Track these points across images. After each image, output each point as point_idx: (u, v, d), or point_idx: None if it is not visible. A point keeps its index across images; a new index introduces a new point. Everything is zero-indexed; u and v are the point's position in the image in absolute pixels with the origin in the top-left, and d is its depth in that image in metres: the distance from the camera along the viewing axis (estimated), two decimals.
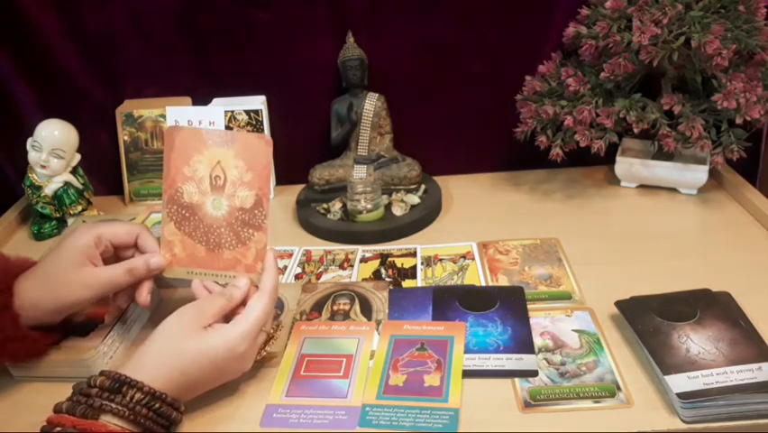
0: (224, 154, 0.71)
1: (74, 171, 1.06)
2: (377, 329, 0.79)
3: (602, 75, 0.96)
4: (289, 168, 1.16)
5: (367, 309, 0.83)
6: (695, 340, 0.69)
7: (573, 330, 0.76)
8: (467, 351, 0.74)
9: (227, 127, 1.12)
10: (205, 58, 1.11)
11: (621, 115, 0.96)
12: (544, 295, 0.84)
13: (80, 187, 1.07)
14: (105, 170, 1.17)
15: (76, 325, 0.77)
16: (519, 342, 0.75)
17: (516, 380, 0.70)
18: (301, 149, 1.15)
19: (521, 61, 1.07)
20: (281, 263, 0.95)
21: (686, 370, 0.65)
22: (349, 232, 1.00)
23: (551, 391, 0.68)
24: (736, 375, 0.64)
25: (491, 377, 0.71)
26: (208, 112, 1.12)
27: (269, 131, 1.13)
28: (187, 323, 0.66)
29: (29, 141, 1.03)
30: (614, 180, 1.10)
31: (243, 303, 0.69)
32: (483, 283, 0.87)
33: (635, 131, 0.97)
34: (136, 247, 0.75)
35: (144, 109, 1.13)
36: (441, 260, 0.93)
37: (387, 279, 0.90)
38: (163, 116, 1.13)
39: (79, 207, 1.07)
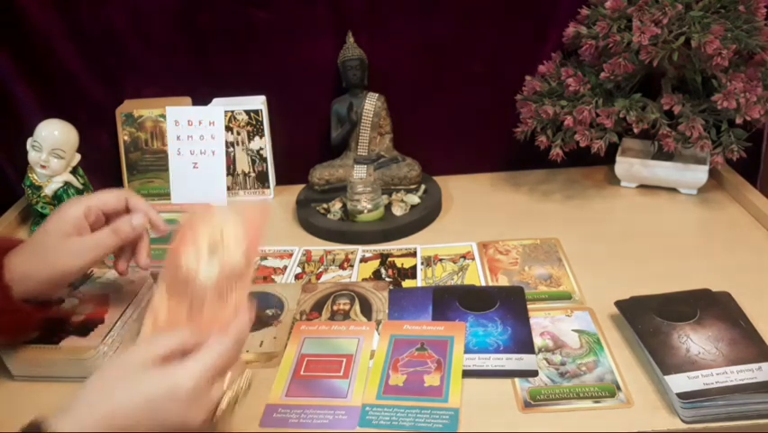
0: (227, 222, 0.72)
1: (74, 171, 1.06)
2: (377, 329, 0.79)
3: (602, 75, 0.96)
4: (289, 168, 1.16)
5: (367, 309, 0.83)
6: (695, 340, 0.69)
7: (573, 330, 0.76)
8: (467, 351, 0.74)
9: (227, 127, 1.12)
10: (205, 58, 1.11)
11: (621, 115, 0.96)
12: (544, 295, 0.84)
13: (80, 187, 1.07)
14: (105, 170, 1.17)
15: (76, 325, 0.77)
16: (519, 342, 0.75)
17: (516, 380, 0.70)
18: (301, 149, 1.15)
19: (521, 61, 1.07)
20: (281, 263, 0.95)
21: (686, 370, 0.65)
22: (349, 232, 0.99)
23: (551, 391, 0.68)
24: (736, 375, 0.64)
25: (491, 377, 0.71)
26: (208, 112, 1.13)
27: (269, 131, 1.13)
28: (130, 359, 0.56)
29: (29, 141, 1.03)
30: (614, 180, 1.10)
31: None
32: (483, 283, 0.87)
33: (635, 131, 0.97)
34: (128, 211, 0.76)
35: (144, 109, 1.13)
36: (441, 260, 0.93)
37: (387, 279, 0.90)
38: (163, 116, 1.13)
39: None
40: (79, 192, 1.07)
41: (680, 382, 0.64)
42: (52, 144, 1.02)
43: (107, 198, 0.75)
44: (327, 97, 1.11)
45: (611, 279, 0.85)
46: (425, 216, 1.02)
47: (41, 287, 0.71)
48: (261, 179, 1.14)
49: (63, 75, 1.12)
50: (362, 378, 0.71)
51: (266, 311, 0.84)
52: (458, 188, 1.13)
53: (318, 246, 0.99)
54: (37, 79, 1.13)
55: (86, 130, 1.07)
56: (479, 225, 1.01)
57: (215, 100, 1.14)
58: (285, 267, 0.94)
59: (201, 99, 1.14)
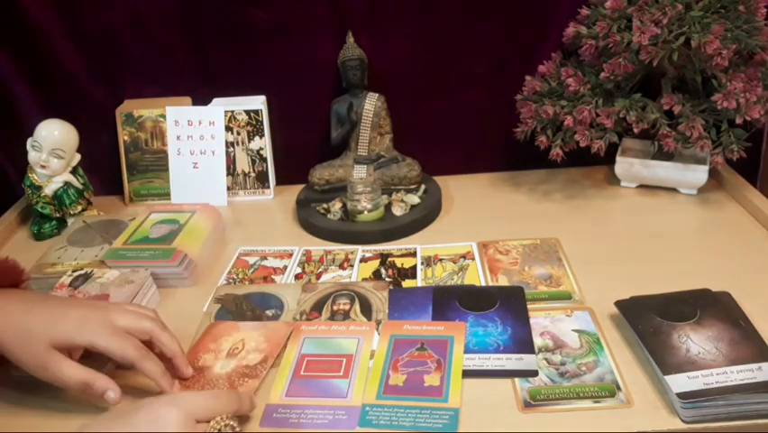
0: (250, 335, 0.79)
1: (74, 171, 1.06)
2: (377, 329, 0.79)
3: (602, 75, 0.96)
4: (289, 168, 1.16)
5: (367, 309, 0.83)
6: (695, 340, 0.69)
7: (573, 330, 0.76)
8: (467, 351, 0.74)
9: (227, 127, 1.12)
10: (205, 58, 1.12)
11: (621, 115, 0.96)
12: (544, 295, 0.84)
13: (80, 187, 1.07)
14: (105, 170, 1.17)
15: None
16: (519, 342, 0.74)
17: (516, 380, 0.70)
18: (301, 149, 1.15)
19: (521, 61, 1.07)
20: (281, 263, 0.95)
21: (686, 370, 0.65)
22: (349, 232, 0.99)
23: (551, 391, 0.68)
24: (736, 375, 0.64)
25: (491, 377, 0.71)
26: (208, 112, 1.13)
27: (269, 131, 1.13)
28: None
29: (29, 141, 1.03)
30: (614, 180, 1.10)
31: None
32: (483, 283, 0.87)
33: (635, 131, 0.97)
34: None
35: (144, 109, 1.13)
36: (441, 260, 0.93)
37: (387, 279, 0.90)
38: (163, 116, 1.13)
39: (79, 207, 1.07)
40: (79, 192, 1.07)
41: (680, 382, 0.64)
42: (52, 144, 1.02)
43: (127, 325, 0.69)
44: (327, 97, 1.11)
45: (611, 279, 0.85)
46: (425, 216, 1.02)
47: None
48: (261, 179, 1.14)
49: (63, 75, 1.12)
50: (362, 378, 0.71)
51: (266, 312, 0.84)
52: (458, 188, 1.13)
53: (318, 246, 0.99)
54: (37, 79, 1.13)
55: (86, 130, 1.07)
56: (479, 225, 1.01)
57: (215, 100, 1.14)
58: (285, 267, 0.94)
59: (201, 99, 1.14)
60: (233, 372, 0.73)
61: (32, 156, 1.03)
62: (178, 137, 1.13)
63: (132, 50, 1.11)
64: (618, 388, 0.68)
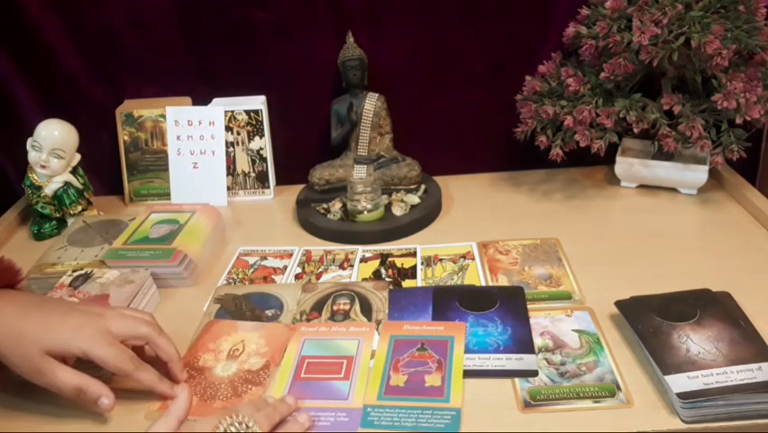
0: (250, 336, 0.79)
1: (74, 171, 1.06)
2: (377, 330, 0.79)
3: (602, 75, 0.96)
4: (289, 168, 1.16)
5: (367, 309, 0.83)
6: (695, 340, 0.69)
7: (573, 330, 0.76)
8: (467, 351, 0.74)
9: (227, 127, 1.12)
10: (205, 58, 1.12)
11: (621, 115, 0.96)
12: (544, 295, 0.84)
13: (80, 187, 1.07)
14: (105, 170, 1.17)
15: None
16: (519, 342, 0.74)
17: (516, 380, 0.70)
18: (301, 149, 1.15)
19: (521, 61, 1.07)
20: (281, 263, 0.95)
21: (686, 370, 0.65)
22: (349, 232, 0.99)
23: (551, 391, 0.68)
24: (736, 375, 0.64)
25: (491, 377, 0.71)
26: (208, 112, 1.13)
27: (269, 131, 1.13)
28: None
29: (29, 141, 1.03)
30: (614, 180, 1.10)
31: None
32: (483, 283, 0.87)
33: (635, 131, 0.97)
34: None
35: (144, 109, 1.13)
36: (441, 260, 0.93)
37: (387, 279, 0.90)
38: (163, 116, 1.13)
39: (79, 207, 1.07)
40: (79, 192, 1.07)
41: (680, 382, 0.64)
42: (52, 144, 1.02)
43: (124, 332, 0.69)
44: (327, 97, 1.11)
45: (611, 279, 0.85)
46: (425, 216, 1.02)
47: None
48: (261, 179, 1.14)
49: (63, 75, 1.12)
50: (363, 379, 0.71)
51: (266, 312, 0.84)
52: (458, 188, 1.13)
53: (318, 246, 0.99)
54: (37, 79, 1.13)
55: (86, 130, 1.07)
56: (479, 225, 1.01)
57: (215, 100, 1.14)
58: (285, 267, 0.94)
59: (201, 99, 1.14)
60: (235, 376, 0.73)
61: (32, 156, 1.03)
62: (178, 137, 1.13)
63: (132, 50, 1.11)
64: (618, 388, 0.68)
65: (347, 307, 0.83)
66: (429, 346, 0.75)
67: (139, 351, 0.72)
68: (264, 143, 1.13)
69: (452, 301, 0.82)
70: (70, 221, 1.06)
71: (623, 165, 1.07)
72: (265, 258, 0.97)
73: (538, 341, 0.75)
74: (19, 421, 0.70)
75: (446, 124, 1.15)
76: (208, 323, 0.81)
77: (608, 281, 0.84)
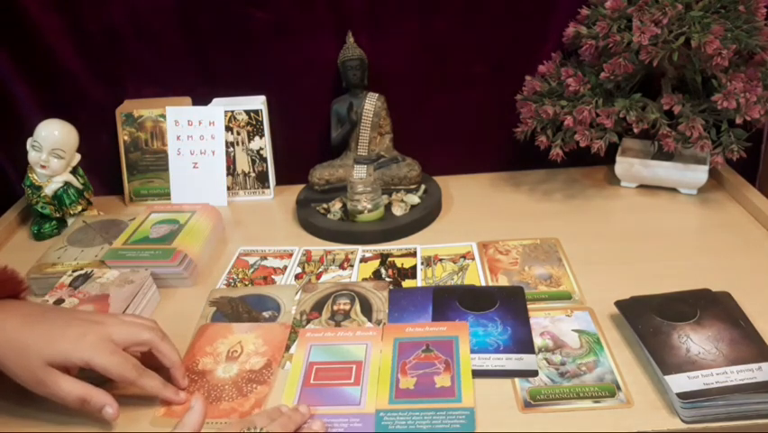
0: (246, 337, 0.79)
1: (74, 171, 1.06)
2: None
3: (602, 75, 0.96)
4: (289, 168, 1.16)
5: (367, 309, 0.83)
6: (695, 340, 0.69)
7: (573, 330, 0.76)
8: None
9: (227, 127, 1.12)
10: (205, 58, 1.11)
11: (621, 115, 0.96)
12: (544, 295, 0.84)
13: (80, 187, 1.07)
14: (105, 170, 1.17)
15: None
16: (519, 342, 0.74)
17: (516, 380, 0.70)
18: (301, 149, 1.15)
19: (521, 61, 1.07)
20: (281, 263, 0.95)
21: (686, 370, 0.65)
22: (349, 232, 0.99)
23: (551, 391, 0.68)
24: (736, 375, 0.64)
25: (491, 377, 0.71)
26: (208, 112, 1.13)
27: (269, 131, 1.13)
28: None
29: (29, 141, 1.03)
30: (614, 180, 1.10)
31: None
32: (483, 283, 0.87)
33: (635, 131, 0.97)
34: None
35: (144, 109, 1.13)
36: (441, 260, 0.93)
37: (387, 279, 0.90)
38: (163, 116, 1.13)
39: (79, 207, 1.07)
40: (79, 192, 1.07)
41: (680, 382, 0.64)
42: (52, 144, 1.02)
43: (126, 339, 0.69)
44: (327, 97, 1.11)
45: (611, 279, 0.85)
46: (425, 216, 1.02)
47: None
48: (261, 179, 1.14)
49: (63, 75, 1.12)
50: (374, 384, 0.71)
51: (263, 313, 0.84)
52: (458, 188, 1.13)
53: (318, 246, 0.99)
54: (37, 79, 1.13)
55: (86, 130, 1.07)
56: (479, 225, 1.01)
57: (215, 100, 1.14)
58: (285, 267, 0.94)
59: (201, 99, 1.14)
60: (237, 377, 0.73)
61: (32, 156, 1.03)
62: (178, 137, 1.13)
63: (132, 50, 1.11)
64: (618, 388, 0.68)
65: (347, 307, 0.83)
66: (434, 347, 0.74)
67: (142, 354, 0.71)
68: (264, 143, 1.13)
69: (452, 301, 0.82)
70: (70, 221, 1.06)
71: (623, 165, 1.07)
72: (265, 258, 0.97)
73: (538, 341, 0.75)
74: (21, 419, 0.70)
75: (446, 125, 1.15)
76: (202, 326, 0.81)
77: (607, 281, 0.84)
